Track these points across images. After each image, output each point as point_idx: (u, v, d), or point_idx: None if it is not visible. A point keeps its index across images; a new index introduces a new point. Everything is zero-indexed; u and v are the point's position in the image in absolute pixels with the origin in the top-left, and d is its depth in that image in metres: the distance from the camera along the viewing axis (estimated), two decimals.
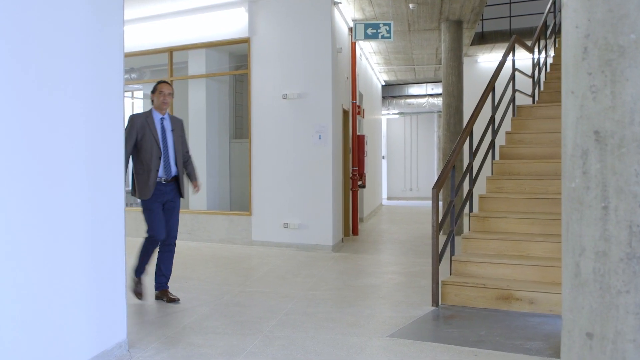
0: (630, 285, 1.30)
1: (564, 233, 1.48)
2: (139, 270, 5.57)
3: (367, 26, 8.84)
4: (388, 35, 8.63)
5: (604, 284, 1.35)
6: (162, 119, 5.56)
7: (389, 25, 8.65)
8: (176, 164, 5.54)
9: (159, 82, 5.67)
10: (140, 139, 5.36)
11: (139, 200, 5.43)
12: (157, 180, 5.39)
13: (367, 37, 8.90)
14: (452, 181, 5.80)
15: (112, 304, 3.96)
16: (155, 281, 5.68)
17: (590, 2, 1.33)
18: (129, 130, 5.29)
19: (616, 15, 1.28)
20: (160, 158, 5.40)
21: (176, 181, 5.56)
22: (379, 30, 8.71)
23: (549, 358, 3.88)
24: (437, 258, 5.36)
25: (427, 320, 4.94)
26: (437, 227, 5.37)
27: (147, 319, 4.91)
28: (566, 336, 1.43)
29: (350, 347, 4.20)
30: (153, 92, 5.61)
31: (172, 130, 5.59)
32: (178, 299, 5.56)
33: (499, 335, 4.41)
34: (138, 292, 5.53)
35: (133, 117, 5.49)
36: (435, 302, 5.33)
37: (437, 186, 5.40)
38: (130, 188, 5.42)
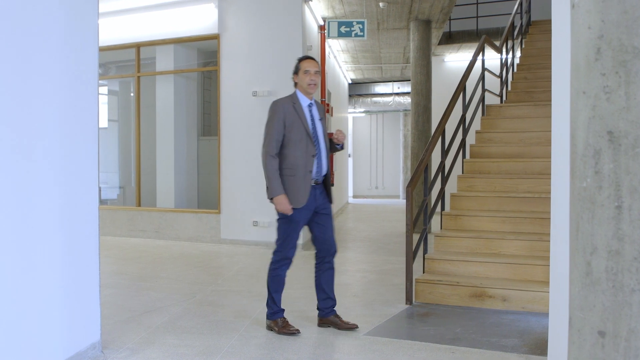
0: None
1: (572, 232, 1.49)
2: (277, 307, 4.51)
3: (340, 24, 8.86)
4: (362, 33, 8.66)
5: (617, 282, 1.37)
6: (310, 106, 4.48)
7: (362, 23, 8.68)
8: (327, 162, 4.56)
9: (301, 59, 4.54)
10: (288, 132, 4.35)
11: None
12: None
13: (341, 35, 8.92)
14: (425, 179, 5.84)
15: (86, 304, 3.87)
16: (319, 308, 4.65)
17: (605, 4, 1.35)
18: (274, 119, 4.35)
19: (631, 17, 1.29)
20: (314, 156, 4.39)
21: (325, 182, 4.58)
22: (352, 29, 8.73)
23: (525, 355, 3.93)
24: (412, 256, 5.39)
25: (402, 318, 4.96)
26: (412, 225, 5.40)
27: (120, 319, 4.82)
28: (575, 334, 1.45)
29: (327, 345, 4.19)
30: (295, 72, 4.51)
31: (320, 120, 4.56)
32: (356, 326, 4.56)
33: (475, 333, 4.46)
34: (292, 331, 4.42)
35: (278, 103, 4.43)
36: (409, 300, 5.35)
37: (412, 184, 5.43)
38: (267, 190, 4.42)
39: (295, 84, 4.54)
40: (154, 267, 7.22)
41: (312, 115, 4.47)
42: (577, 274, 1.45)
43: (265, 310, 4.58)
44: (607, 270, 1.39)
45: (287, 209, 4.32)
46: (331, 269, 4.66)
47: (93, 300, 3.94)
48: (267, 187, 4.39)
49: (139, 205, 10.01)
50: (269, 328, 4.50)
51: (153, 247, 8.78)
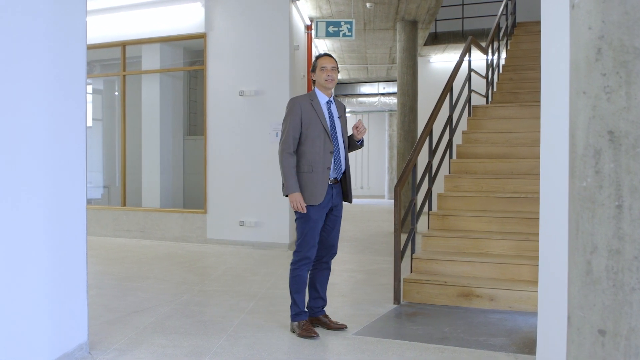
0: None
1: (572, 232, 1.50)
2: (299, 309, 4.43)
3: (328, 24, 8.86)
4: (350, 33, 8.67)
5: (617, 281, 1.38)
6: (328, 103, 4.49)
7: (350, 23, 8.69)
8: (346, 159, 4.55)
9: (319, 57, 4.54)
10: (305, 129, 4.34)
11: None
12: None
13: (329, 34, 8.91)
14: (413, 180, 5.85)
15: (73, 305, 3.83)
16: (310, 306, 4.62)
17: (606, 4, 1.36)
18: (292, 116, 4.34)
19: (632, 18, 1.31)
20: (332, 153, 4.37)
21: (343, 181, 4.55)
22: (340, 29, 8.74)
23: (514, 354, 3.95)
24: (400, 256, 5.40)
25: (390, 317, 4.97)
26: (400, 224, 5.41)
27: (107, 319, 4.78)
28: (575, 333, 1.46)
29: (316, 345, 4.18)
30: (313, 70, 4.51)
31: (339, 118, 4.55)
32: (345, 326, 4.58)
33: (463, 332, 4.47)
34: (311, 335, 4.33)
35: (295, 100, 4.43)
36: (397, 299, 5.36)
37: (400, 184, 5.45)
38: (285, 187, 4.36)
39: (314, 82, 4.53)
40: (140, 267, 7.17)
41: (330, 112, 4.47)
42: (577, 273, 1.46)
43: (249, 307, 4.56)
44: (608, 269, 1.40)
45: (302, 206, 4.30)
46: (328, 269, 4.65)
47: (80, 300, 3.90)
48: (282, 184, 4.38)
49: (124, 205, 9.94)
50: (292, 330, 4.45)
51: (138, 247, 8.72)
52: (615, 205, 1.37)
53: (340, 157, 4.46)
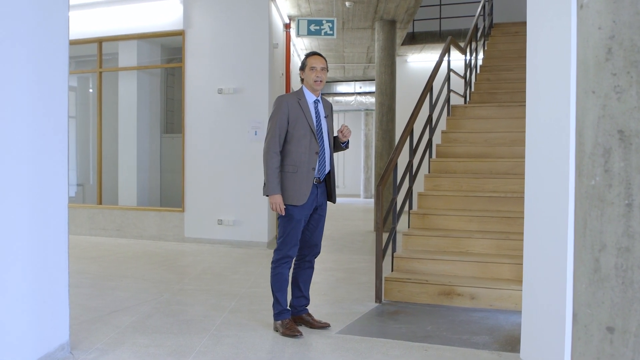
0: None
1: (579, 229, 1.51)
2: (281, 307, 4.42)
3: (310, 22, 8.84)
4: (331, 32, 8.66)
5: (626, 279, 1.40)
6: (315, 102, 4.43)
7: (332, 22, 8.68)
8: (331, 159, 4.51)
9: (309, 55, 4.49)
10: (292, 128, 4.29)
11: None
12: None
13: (310, 33, 8.89)
14: (395, 179, 5.87)
15: (54, 304, 3.77)
16: (293, 305, 4.59)
17: (616, 4, 1.37)
18: (278, 115, 4.29)
19: None
20: (317, 153, 4.34)
21: (327, 181, 4.51)
22: (322, 27, 8.72)
23: (497, 352, 3.99)
24: (381, 254, 5.41)
25: (373, 316, 4.97)
26: (382, 223, 5.42)
27: (87, 319, 4.71)
28: (582, 330, 1.47)
29: (300, 344, 4.17)
30: (302, 68, 4.46)
31: (326, 117, 4.50)
32: (328, 324, 4.57)
33: (446, 330, 4.50)
34: (295, 333, 4.31)
35: (282, 99, 4.38)
36: (378, 298, 5.38)
37: (382, 183, 5.46)
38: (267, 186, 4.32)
39: (302, 80, 4.50)
40: (118, 266, 7.09)
41: (317, 112, 4.42)
42: (584, 271, 1.47)
43: (231, 306, 4.53)
44: (617, 267, 1.41)
45: (281, 209, 4.27)
46: (311, 267, 4.62)
47: (62, 300, 3.84)
48: (264, 184, 4.35)
49: (100, 203, 9.82)
50: (275, 329, 4.43)
51: (115, 246, 8.62)
52: (625, 203, 1.39)
53: (325, 158, 4.42)
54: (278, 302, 4.41)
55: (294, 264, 4.58)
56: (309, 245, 4.54)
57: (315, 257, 4.63)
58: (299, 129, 4.30)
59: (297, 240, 4.40)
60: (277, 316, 4.42)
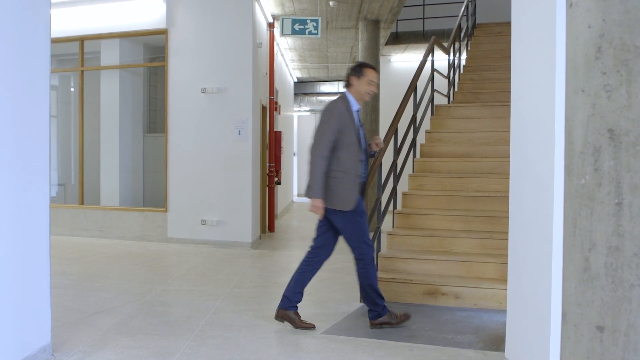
0: None
1: (569, 229, 1.51)
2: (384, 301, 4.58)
3: (294, 21, 8.81)
4: (315, 31, 8.64)
5: (616, 278, 1.39)
6: (357, 111, 4.50)
7: (316, 21, 8.66)
8: (365, 169, 4.58)
9: (369, 67, 4.55)
10: (342, 134, 4.31)
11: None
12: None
13: (295, 32, 8.86)
14: (379, 178, 5.86)
15: (36, 306, 3.72)
16: (289, 299, 4.58)
17: (606, 3, 1.36)
18: (333, 120, 4.29)
19: (633, 17, 1.31)
20: (361, 161, 4.42)
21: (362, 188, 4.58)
22: (306, 26, 8.70)
23: (482, 351, 3.99)
24: None
25: (358, 316, 4.96)
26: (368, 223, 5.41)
27: (69, 320, 4.66)
28: (572, 330, 1.47)
29: (286, 345, 4.16)
30: (358, 75, 4.47)
31: (361, 126, 4.56)
32: (313, 326, 4.54)
33: (431, 330, 4.50)
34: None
35: (336, 105, 4.37)
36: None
37: (368, 183, 5.44)
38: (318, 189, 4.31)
39: (350, 86, 4.51)
40: (100, 267, 7.02)
41: (358, 121, 4.48)
42: (574, 270, 1.47)
43: (215, 306, 4.50)
44: (607, 266, 1.41)
45: (321, 213, 4.33)
46: (319, 269, 4.68)
47: (43, 301, 3.78)
48: (308, 186, 4.35)
49: (82, 203, 9.72)
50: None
51: (97, 246, 8.54)
52: (615, 202, 1.39)
53: (365, 166, 4.52)
54: (381, 297, 4.52)
55: (304, 261, 4.65)
56: (334, 248, 4.69)
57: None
58: (347, 136, 4.33)
59: (367, 230, 4.49)
60: (383, 309, 4.49)
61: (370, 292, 4.51)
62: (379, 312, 4.50)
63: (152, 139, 10.17)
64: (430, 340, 4.24)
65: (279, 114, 12.61)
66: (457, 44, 9.50)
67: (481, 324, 4.68)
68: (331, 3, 9.72)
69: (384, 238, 6.09)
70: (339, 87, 19.12)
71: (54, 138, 10.98)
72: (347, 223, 4.40)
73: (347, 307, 5.19)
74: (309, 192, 4.34)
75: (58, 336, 4.18)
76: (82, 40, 9.63)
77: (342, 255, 8.01)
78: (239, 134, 8.56)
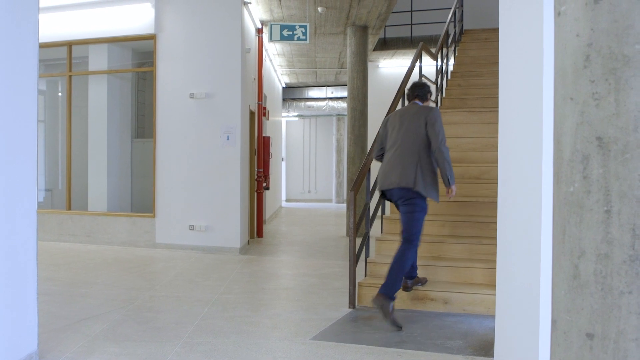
0: (633, 286, 1.36)
1: (558, 236, 1.52)
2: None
3: (283, 27, 8.81)
4: (304, 37, 8.65)
5: (605, 285, 1.40)
6: None
7: (305, 27, 8.67)
8: None
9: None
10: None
11: None
12: None
13: (283, 38, 8.87)
14: (368, 184, 5.87)
15: (22, 312, 3.69)
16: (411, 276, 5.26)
17: (594, 12, 1.38)
18: (441, 121, 4.99)
19: (621, 26, 1.33)
20: None
21: None
22: (294, 32, 8.70)
23: (471, 356, 4.00)
24: (355, 260, 5.41)
25: (347, 322, 4.96)
26: (356, 228, 5.42)
27: (56, 327, 4.62)
28: (561, 337, 1.48)
29: (274, 351, 4.14)
30: (429, 96, 5.31)
31: None
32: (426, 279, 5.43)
33: (419, 335, 4.51)
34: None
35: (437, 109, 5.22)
36: (352, 303, 5.37)
37: (355, 188, 5.45)
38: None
39: (426, 100, 5.23)
40: (87, 273, 6.97)
41: None
42: (563, 277, 1.48)
43: (203, 312, 4.48)
44: (596, 274, 1.42)
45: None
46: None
47: (30, 307, 3.76)
48: (447, 177, 4.87)
49: (69, 208, 9.65)
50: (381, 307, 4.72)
51: (85, 252, 8.48)
52: (604, 210, 1.40)
53: None
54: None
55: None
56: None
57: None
58: None
59: None
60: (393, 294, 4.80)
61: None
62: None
63: (140, 144, 10.12)
64: (419, 346, 4.24)
65: (268, 119, 12.61)
66: (444, 50, 9.55)
67: (470, 329, 4.69)
68: (319, 9, 9.74)
69: (372, 243, 6.09)
70: (327, 92, 19.16)
71: (41, 143, 10.90)
72: (423, 212, 4.91)
73: (335, 313, 5.19)
74: (452, 181, 4.91)
75: (45, 343, 4.15)
76: (70, 45, 9.58)
77: (330, 261, 8.05)
78: (228, 139, 8.55)
